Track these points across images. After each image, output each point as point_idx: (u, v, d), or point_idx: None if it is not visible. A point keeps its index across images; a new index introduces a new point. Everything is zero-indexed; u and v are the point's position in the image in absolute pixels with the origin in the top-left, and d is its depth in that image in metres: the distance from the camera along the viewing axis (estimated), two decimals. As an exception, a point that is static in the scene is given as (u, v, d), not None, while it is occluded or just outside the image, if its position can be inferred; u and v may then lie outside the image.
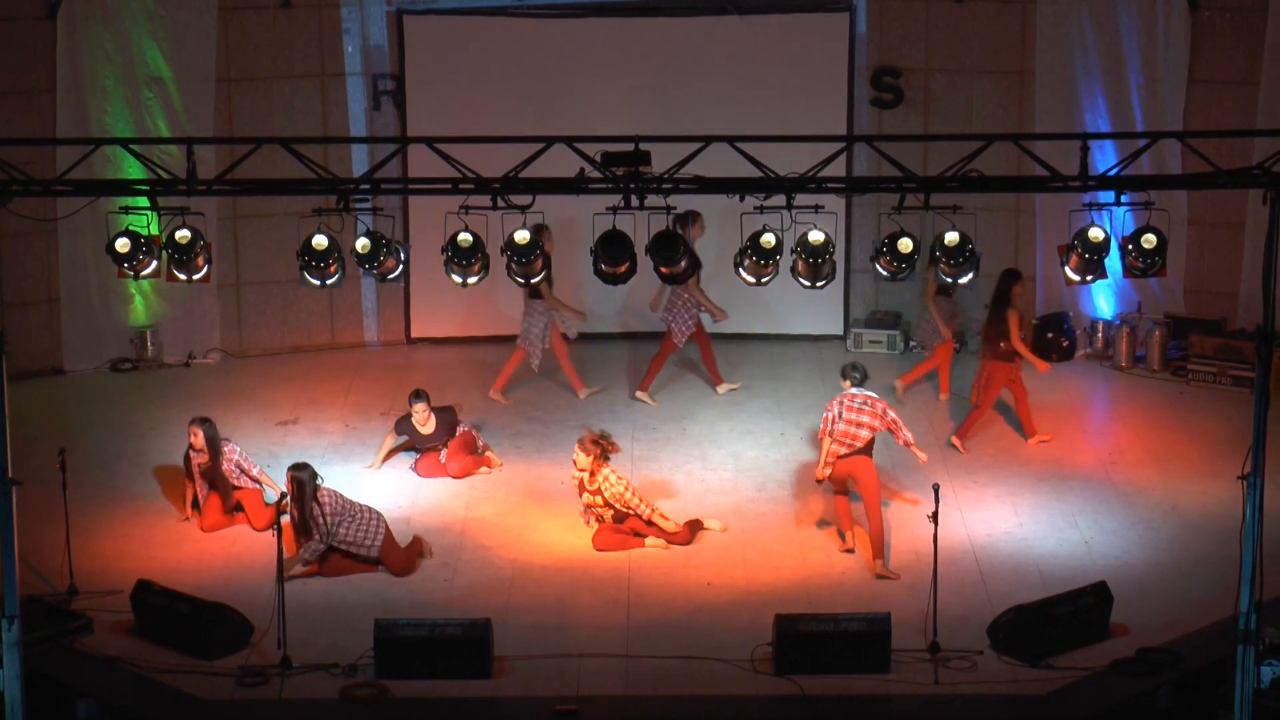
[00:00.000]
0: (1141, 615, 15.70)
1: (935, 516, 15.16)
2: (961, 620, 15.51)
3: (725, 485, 18.65)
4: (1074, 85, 21.64)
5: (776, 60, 22.25)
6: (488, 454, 19.06)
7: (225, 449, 17.63)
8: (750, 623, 15.59)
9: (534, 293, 20.14)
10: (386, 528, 16.70)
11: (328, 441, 19.71)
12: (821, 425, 17.17)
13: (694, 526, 17.39)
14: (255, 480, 17.76)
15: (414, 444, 18.92)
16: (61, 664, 15.03)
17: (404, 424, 18.79)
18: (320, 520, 16.37)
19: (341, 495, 16.71)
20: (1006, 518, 17.75)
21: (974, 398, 19.47)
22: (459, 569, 16.87)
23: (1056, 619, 15.18)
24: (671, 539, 17.18)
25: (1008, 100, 22.09)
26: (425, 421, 18.63)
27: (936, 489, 15.31)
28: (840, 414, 17.00)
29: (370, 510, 16.76)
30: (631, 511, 17.04)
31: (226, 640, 15.26)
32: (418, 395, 18.65)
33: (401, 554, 16.73)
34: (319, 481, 16.62)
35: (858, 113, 22.39)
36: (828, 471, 17.06)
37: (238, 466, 17.66)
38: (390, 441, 18.97)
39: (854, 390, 17.13)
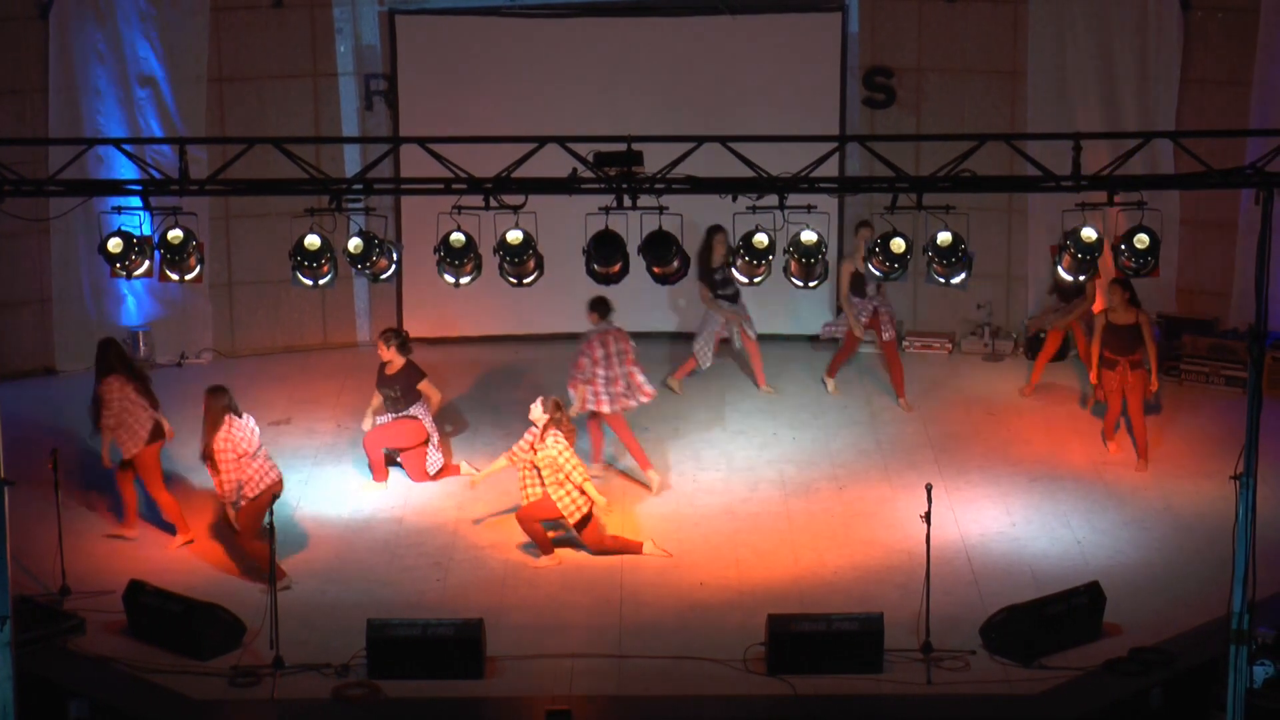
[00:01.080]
0: (1134, 615, 15.71)
1: (928, 516, 15.17)
2: (954, 620, 15.53)
3: (718, 485, 18.66)
4: (1066, 85, 21.64)
5: (769, 60, 22.24)
6: (461, 466, 18.99)
7: (105, 379, 17.37)
8: (743, 623, 15.60)
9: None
10: (267, 494, 16.55)
11: (320, 442, 19.70)
12: (587, 362, 18.15)
13: (631, 545, 17.26)
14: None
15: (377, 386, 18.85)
16: (53, 664, 15.03)
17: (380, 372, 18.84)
18: (214, 447, 16.43)
19: (254, 438, 16.70)
20: (999, 517, 17.76)
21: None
22: (451, 569, 16.87)
23: (1049, 619, 15.20)
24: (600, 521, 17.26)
25: (1000, 100, 22.09)
26: (386, 357, 18.55)
27: (929, 489, 15.32)
28: (616, 349, 18.18)
29: (270, 470, 16.72)
30: (562, 474, 16.82)
31: (219, 640, 15.26)
32: (384, 330, 18.82)
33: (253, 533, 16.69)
34: (235, 413, 16.60)
35: (850, 113, 22.38)
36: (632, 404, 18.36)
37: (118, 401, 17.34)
38: (376, 401, 18.87)
39: (610, 324, 18.10)
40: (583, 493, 16.90)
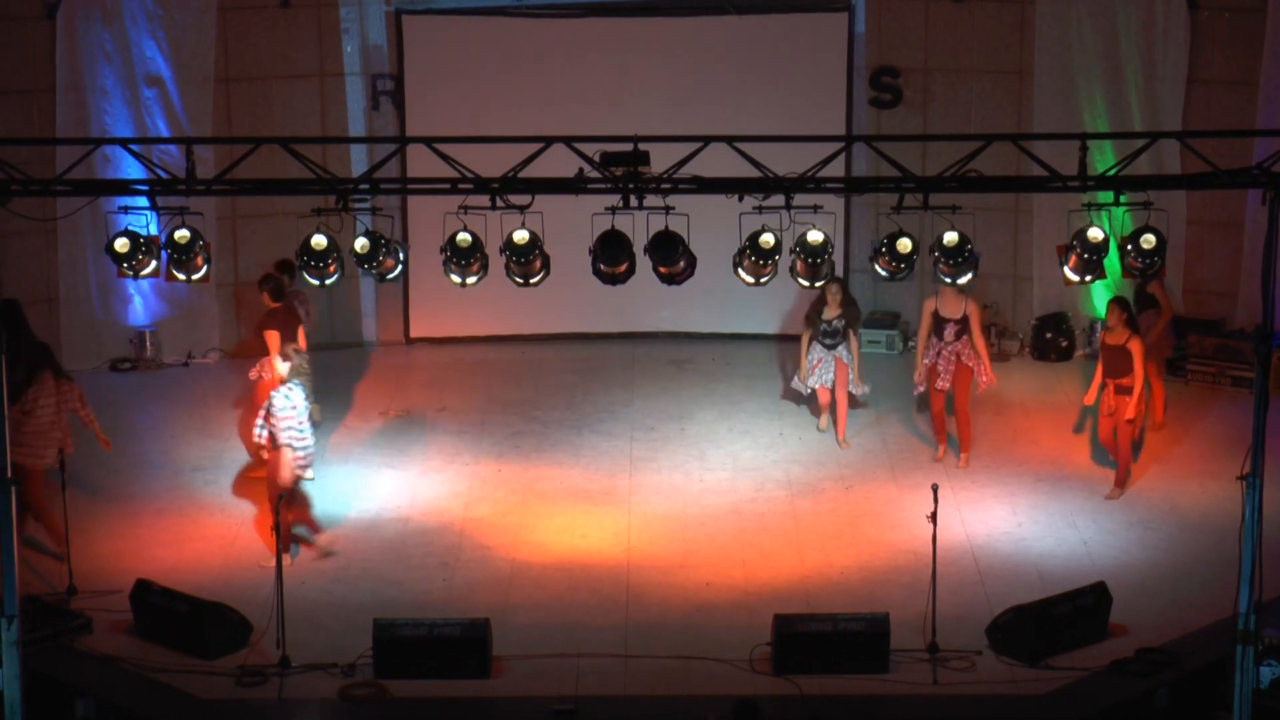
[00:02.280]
0: (1140, 615, 15.70)
1: (934, 517, 15.17)
2: (960, 620, 15.51)
3: (723, 485, 18.65)
4: (1073, 85, 21.63)
5: (775, 60, 22.25)
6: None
7: None
8: (749, 623, 15.60)
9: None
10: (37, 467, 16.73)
11: (325, 441, 19.68)
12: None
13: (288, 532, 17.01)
14: None
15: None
16: (61, 663, 15.03)
17: None
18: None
19: (57, 406, 16.84)
20: (1005, 518, 17.75)
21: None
22: (458, 569, 16.88)
23: (1055, 619, 15.19)
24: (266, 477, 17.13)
25: (1006, 100, 22.09)
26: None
27: (935, 489, 15.31)
28: (303, 311, 18.86)
29: (49, 447, 16.77)
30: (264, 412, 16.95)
31: (225, 640, 15.26)
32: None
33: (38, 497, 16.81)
34: (56, 375, 16.85)
35: (856, 113, 22.38)
36: None
37: None
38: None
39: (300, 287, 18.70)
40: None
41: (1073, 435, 19.66)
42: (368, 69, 22.32)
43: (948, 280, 15.19)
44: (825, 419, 19.82)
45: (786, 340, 22.35)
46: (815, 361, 19.52)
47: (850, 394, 19.62)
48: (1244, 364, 20.58)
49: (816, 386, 19.59)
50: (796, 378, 19.84)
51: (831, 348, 19.49)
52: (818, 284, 15.54)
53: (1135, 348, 17.97)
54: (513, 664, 15.08)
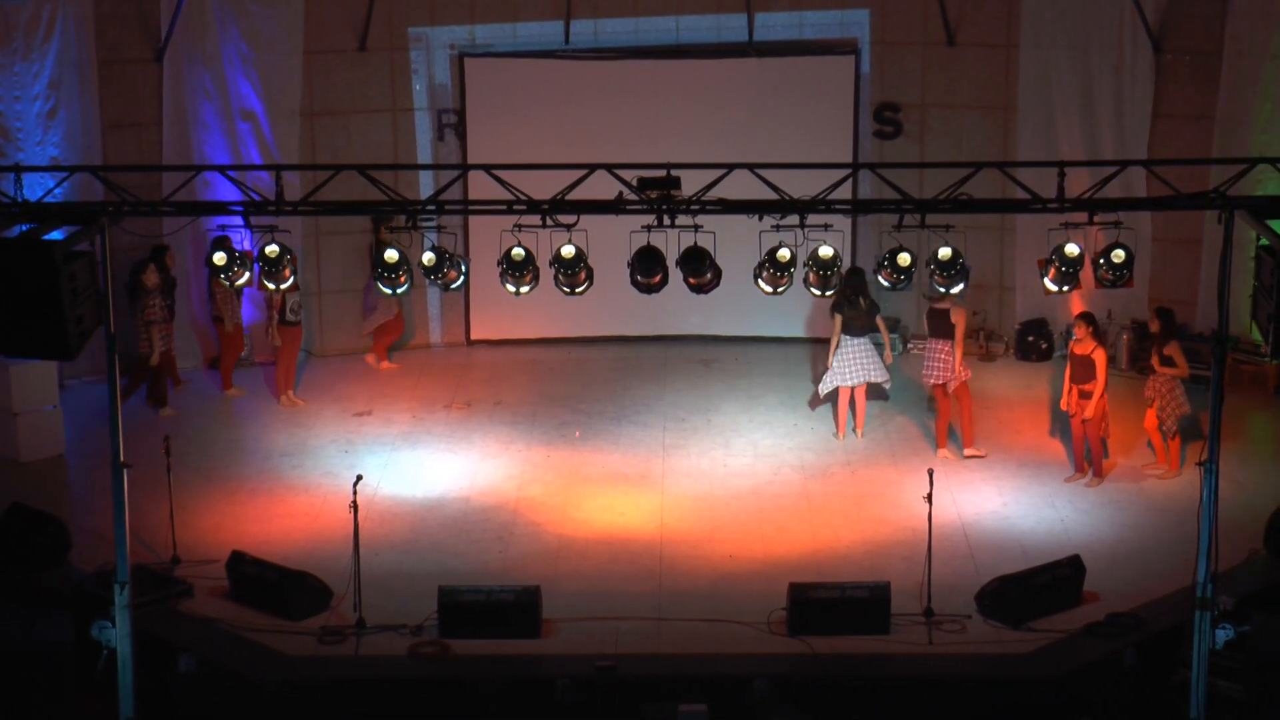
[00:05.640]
0: (1111, 584, 15.64)
1: (930, 498, 15.15)
2: (952, 588, 15.47)
3: (745, 469, 18.63)
4: (1052, 119, 21.57)
5: (791, 97, 22.22)
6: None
7: None
8: (767, 590, 15.57)
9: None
10: None
11: (397, 430, 19.72)
12: None
13: None
14: None
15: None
16: (165, 624, 15.06)
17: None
18: None
19: None
20: (992, 498, 17.70)
21: None
22: (512, 542, 16.87)
23: (1036, 587, 15.14)
24: None
25: (994, 132, 22.03)
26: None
27: (931, 473, 15.32)
28: None
29: None
30: None
31: (309, 604, 15.28)
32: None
33: None
34: None
35: (862, 143, 22.34)
36: None
37: None
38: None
39: None
40: None
41: (1052, 426, 19.58)
42: (434, 105, 22.34)
43: (942, 290, 15.14)
44: (843, 428, 19.54)
45: (802, 343, 22.33)
46: (847, 352, 19.12)
47: (873, 384, 19.43)
48: (1202, 364, 20.40)
49: (839, 386, 19.24)
50: (825, 377, 19.41)
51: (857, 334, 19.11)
52: (828, 293, 15.45)
53: (1099, 357, 17.84)
54: (560, 626, 15.08)
